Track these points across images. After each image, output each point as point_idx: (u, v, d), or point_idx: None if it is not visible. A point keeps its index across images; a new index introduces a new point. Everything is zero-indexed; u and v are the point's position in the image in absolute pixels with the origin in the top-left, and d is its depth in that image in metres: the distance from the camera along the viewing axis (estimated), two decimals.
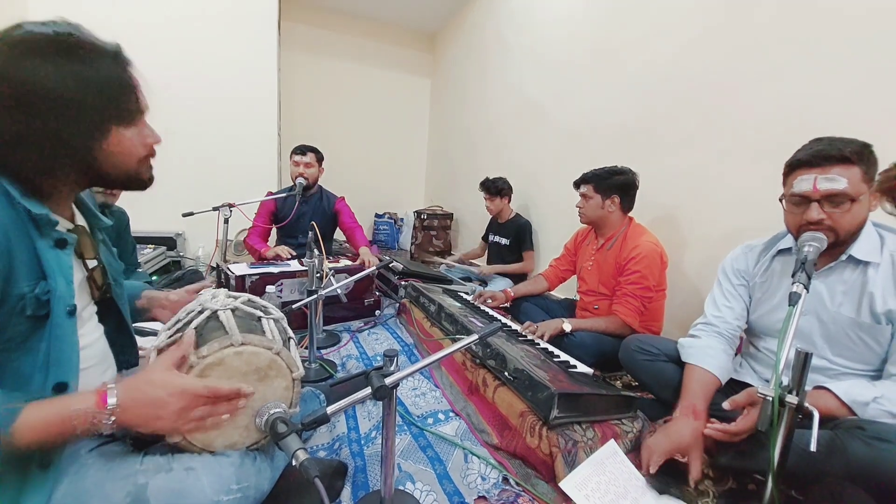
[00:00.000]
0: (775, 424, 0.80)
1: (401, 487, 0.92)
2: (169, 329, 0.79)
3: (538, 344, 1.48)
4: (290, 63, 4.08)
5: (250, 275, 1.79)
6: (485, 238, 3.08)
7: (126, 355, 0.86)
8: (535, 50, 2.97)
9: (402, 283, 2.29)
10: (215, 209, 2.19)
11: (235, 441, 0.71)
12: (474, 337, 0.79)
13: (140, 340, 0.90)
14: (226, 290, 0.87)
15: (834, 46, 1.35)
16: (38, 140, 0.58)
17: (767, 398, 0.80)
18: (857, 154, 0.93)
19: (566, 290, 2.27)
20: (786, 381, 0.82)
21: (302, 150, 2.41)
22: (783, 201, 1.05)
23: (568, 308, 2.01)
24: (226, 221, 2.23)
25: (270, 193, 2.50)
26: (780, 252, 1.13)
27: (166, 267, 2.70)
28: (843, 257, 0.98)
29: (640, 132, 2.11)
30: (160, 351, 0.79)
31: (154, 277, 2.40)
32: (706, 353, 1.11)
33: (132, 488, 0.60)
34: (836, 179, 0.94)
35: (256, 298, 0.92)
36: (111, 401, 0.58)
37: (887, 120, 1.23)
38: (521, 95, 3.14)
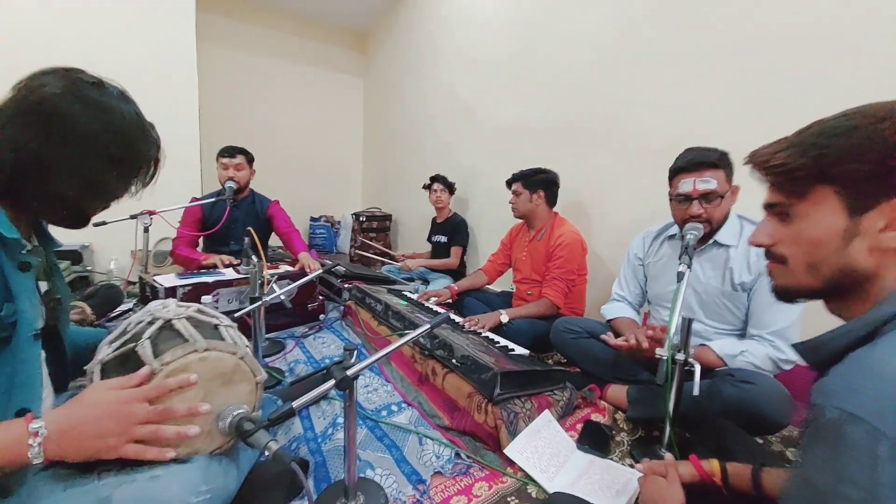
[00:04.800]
0: (669, 378, 1.00)
1: (361, 475, 0.98)
2: (115, 341, 0.77)
3: (480, 333, 1.61)
4: (210, 58, 3.81)
5: (182, 286, 1.69)
6: (429, 239, 3.17)
7: (58, 382, 0.83)
8: (465, 53, 3.13)
9: (346, 285, 2.30)
10: (133, 217, 2.02)
11: (198, 448, 0.72)
12: (426, 326, 0.88)
13: None
14: (174, 300, 0.86)
15: (707, 64, 1.66)
16: (64, 171, 0.65)
17: (662, 357, 1.00)
18: (720, 160, 1.19)
19: (503, 285, 2.45)
20: (677, 342, 1.02)
21: (231, 151, 2.30)
22: (671, 200, 1.29)
23: (506, 300, 2.18)
24: (146, 230, 2.08)
25: (195, 199, 2.35)
26: (669, 238, 1.39)
27: (72, 284, 2.40)
28: (711, 241, 1.24)
29: (559, 134, 2.35)
30: (105, 365, 0.77)
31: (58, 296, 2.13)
32: (621, 310, 1.45)
33: (95, 502, 0.59)
34: (709, 181, 1.19)
35: (206, 308, 0.91)
36: (34, 426, 0.55)
37: (746, 125, 1.53)
38: (453, 96, 3.28)
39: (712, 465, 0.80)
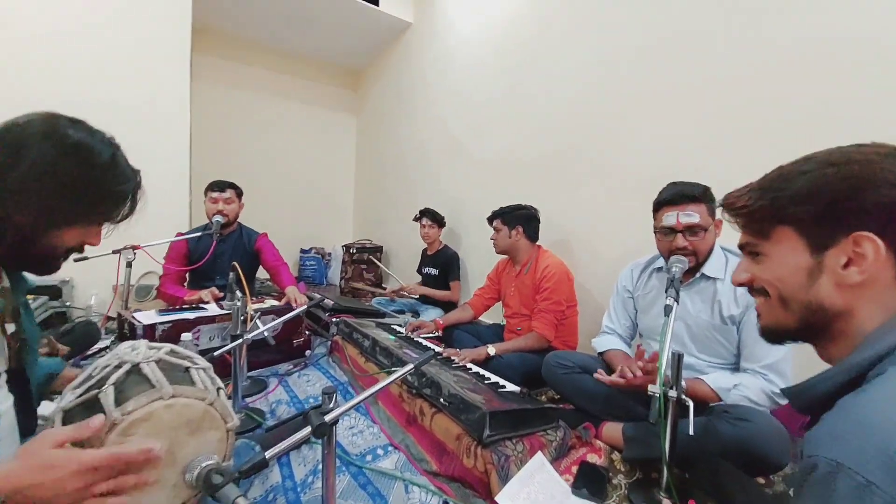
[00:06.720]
0: (663, 416, 0.97)
1: None
2: (79, 387, 0.73)
3: (470, 369, 1.56)
4: (203, 96, 3.91)
5: (161, 323, 1.64)
6: (419, 270, 3.16)
7: (25, 425, 0.78)
8: (455, 90, 3.24)
9: (334, 319, 2.25)
10: (115, 252, 1.98)
11: (162, 503, 0.67)
12: (410, 367, 0.85)
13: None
14: (146, 341, 0.83)
15: (687, 101, 1.73)
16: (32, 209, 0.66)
17: (655, 395, 0.97)
18: (702, 194, 1.22)
19: (495, 317, 2.42)
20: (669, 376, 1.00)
21: (221, 185, 2.30)
22: (656, 233, 1.30)
23: (496, 333, 2.14)
24: (129, 265, 2.03)
25: (180, 234, 2.33)
26: (657, 270, 1.39)
27: (48, 320, 2.32)
28: (698, 274, 1.24)
29: (546, 168, 2.40)
30: (67, 413, 0.72)
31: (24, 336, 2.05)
32: (612, 343, 1.43)
33: None
34: (692, 214, 1.21)
35: (179, 349, 0.87)
36: None
37: (726, 161, 1.58)
38: (444, 132, 3.37)
39: None
